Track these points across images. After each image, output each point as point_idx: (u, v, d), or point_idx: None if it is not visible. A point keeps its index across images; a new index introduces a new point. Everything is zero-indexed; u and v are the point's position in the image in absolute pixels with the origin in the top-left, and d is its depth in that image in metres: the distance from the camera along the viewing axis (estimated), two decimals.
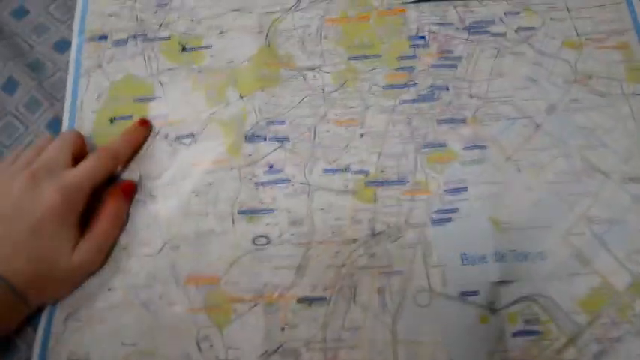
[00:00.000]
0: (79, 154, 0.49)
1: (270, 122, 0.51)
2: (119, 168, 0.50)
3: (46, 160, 0.46)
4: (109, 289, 0.47)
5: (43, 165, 0.46)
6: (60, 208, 0.44)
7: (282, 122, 0.51)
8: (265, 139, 0.51)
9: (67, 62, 0.56)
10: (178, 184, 0.50)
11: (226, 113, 0.52)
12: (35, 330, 0.46)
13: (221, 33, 0.56)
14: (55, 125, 0.54)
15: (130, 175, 0.51)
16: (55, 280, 0.44)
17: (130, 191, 0.50)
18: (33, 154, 0.47)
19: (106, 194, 0.49)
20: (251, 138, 0.51)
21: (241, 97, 0.53)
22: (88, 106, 0.54)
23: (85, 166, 0.47)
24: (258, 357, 0.44)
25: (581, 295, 0.45)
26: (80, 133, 0.50)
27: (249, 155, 0.50)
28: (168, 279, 0.47)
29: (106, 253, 0.47)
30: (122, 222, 0.49)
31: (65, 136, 0.49)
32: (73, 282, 0.46)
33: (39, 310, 0.46)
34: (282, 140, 0.51)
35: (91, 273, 0.47)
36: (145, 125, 0.52)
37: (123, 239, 0.48)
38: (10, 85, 0.56)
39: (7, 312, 0.42)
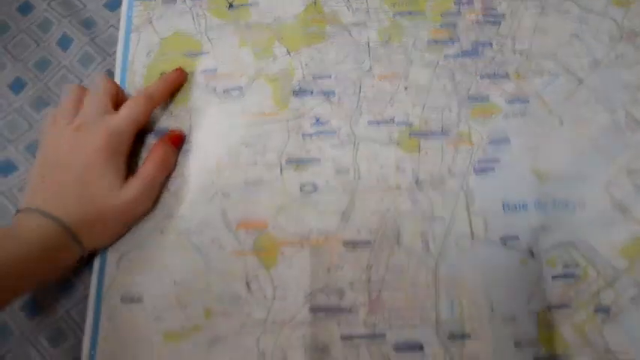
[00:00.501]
0: (118, 102, 0.51)
1: (317, 77, 0.53)
2: (156, 109, 0.52)
3: (88, 112, 0.48)
4: (161, 232, 0.49)
5: (86, 117, 0.48)
6: (106, 151, 0.46)
7: (329, 77, 0.53)
8: (312, 93, 0.52)
9: (118, 19, 0.58)
10: (227, 135, 0.51)
11: (274, 68, 0.53)
12: (91, 271, 0.49)
13: None
14: None
15: (180, 125, 0.52)
16: (105, 220, 0.46)
17: (178, 139, 0.51)
18: (72, 107, 0.49)
19: (155, 142, 0.51)
20: (298, 92, 0.52)
21: (288, 52, 0.54)
22: (139, 61, 0.56)
23: (124, 109, 0.49)
24: (305, 296, 0.46)
25: (620, 243, 0.46)
26: (113, 81, 0.52)
27: (297, 109, 0.52)
28: (219, 225, 0.49)
29: (152, 195, 0.49)
30: (168, 167, 0.50)
31: (99, 85, 0.50)
32: (124, 222, 0.48)
33: (93, 255, 0.49)
34: (328, 94, 0.52)
35: (140, 215, 0.48)
36: (180, 71, 0.53)
37: (172, 185, 0.50)
38: (64, 41, 0.58)
39: (64, 252, 0.44)
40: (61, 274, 0.47)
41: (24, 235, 0.43)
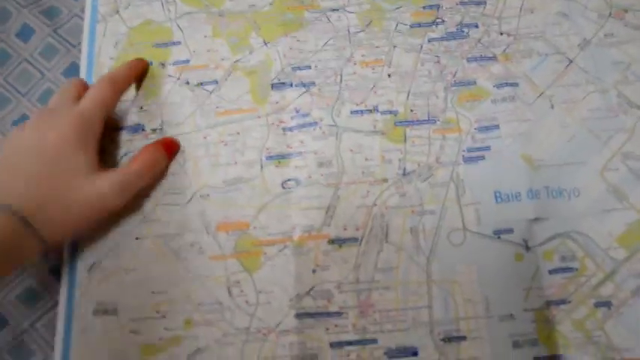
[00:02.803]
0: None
1: (296, 68, 0.50)
2: (121, 94, 0.49)
3: (53, 102, 0.46)
4: (137, 238, 0.46)
5: (51, 106, 0.45)
6: (73, 134, 0.43)
7: (308, 67, 0.50)
8: (291, 85, 0.50)
9: (83, 8, 0.55)
10: (204, 133, 0.49)
11: (251, 61, 0.51)
12: (59, 280, 0.46)
13: None
14: (72, 72, 0.53)
15: (151, 121, 0.50)
16: (69, 207, 0.42)
17: (170, 145, 0.48)
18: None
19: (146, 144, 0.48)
20: (277, 85, 0.50)
21: (265, 43, 0.51)
22: (106, 53, 0.53)
23: (89, 93, 0.46)
24: (289, 300, 0.44)
25: (618, 231, 0.44)
26: (81, 79, 0.50)
27: (276, 102, 0.49)
28: (198, 228, 0.46)
29: (126, 194, 0.45)
30: (154, 171, 0.47)
31: (64, 86, 0.48)
32: (89, 214, 0.43)
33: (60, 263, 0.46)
34: (308, 85, 0.49)
35: (108, 211, 0.44)
36: (141, 59, 0.51)
37: (146, 188, 0.47)
38: (25, 32, 0.55)
39: (16, 242, 0.39)
40: (15, 267, 0.43)
41: None
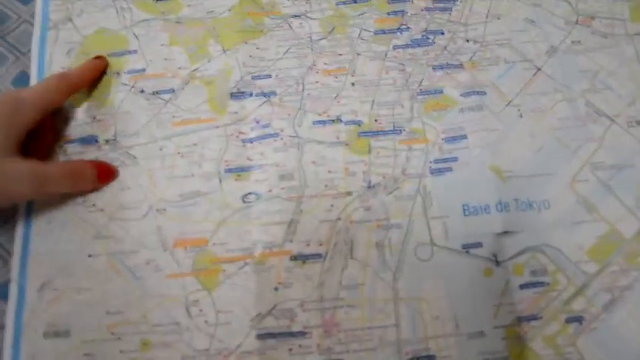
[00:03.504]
0: None
1: (256, 77, 0.48)
2: (71, 93, 0.47)
3: None
4: (90, 256, 0.44)
5: None
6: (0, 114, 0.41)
7: (268, 76, 0.48)
8: (251, 95, 0.48)
9: (33, 14, 0.52)
10: (160, 144, 0.47)
11: (209, 70, 0.49)
12: (6, 301, 0.44)
13: None
14: (22, 81, 0.50)
15: (104, 131, 0.47)
16: None
17: (106, 170, 0.46)
18: None
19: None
20: (236, 95, 0.48)
21: (224, 51, 0.49)
22: (58, 62, 0.50)
23: (33, 85, 0.45)
24: (251, 319, 0.42)
25: (589, 244, 0.43)
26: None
27: (235, 113, 0.47)
28: (155, 244, 0.44)
29: (38, 188, 0.42)
30: (76, 182, 0.45)
31: None
32: None
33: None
34: (268, 95, 0.47)
35: (13, 198, 0.43)
36: (101, 57, 0.49)
37: (99, 201, 0.45)
38: None
39: None
40: None
41: None
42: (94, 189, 0.46)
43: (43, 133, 0.46)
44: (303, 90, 0.48)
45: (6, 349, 0.42)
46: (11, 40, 0.52)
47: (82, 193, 0.46)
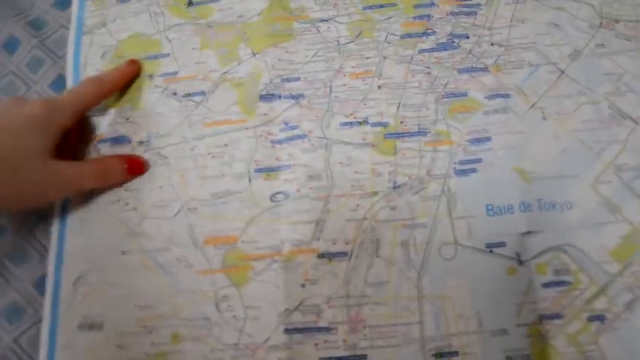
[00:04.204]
0: None
1: (285, 80, 0.49)
2: (105, 97, 0.49)
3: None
4: (123, 253, 0.46)
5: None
6: (39, 116, 0.42)
7: (297, 79, 0.49)
8: (280, 97, 0.49)
9: (69, 19, 0.54)
10: (191, 144, 0.48)
11: (239, 72, 0.50)
12: (42, 294, 0.45)
13: None
14: (59, 84, 0.52)
15: (137, 132, 0.49)
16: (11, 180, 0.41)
17: (136, 164, 0.48)
18: None
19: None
20: (266, 97, 0.49)
21: (254, 54, 0.50)
22: (92, 65, 0.52)
23: (70, 89, 0.47)
24: (278, 315, 0.43)
25: (611, 244, 0.43)
26: None
27: (265, 114, 0.48)
28: (186, 241, 0.45)
29: (69, 188, 0.45)
30: (108, 177, 0.47)
31: None
32: (24, 191, 0.42)
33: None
34: (297, 97, 0.49)
35: (45, 200, 0.46)
36: (133, 61, 0.51)
37: (132, 201, 0.47)
38: (11, 44, 0.54)
39: None
40: None
41: None
42: (126, 181, 0.47)
43: (71, 134, 0.47)
44: (330, 92, 0.49)
45: (43, 339, 0.44)
46: (49, 45, 0.54)
47: (115, 186, 0.47)
